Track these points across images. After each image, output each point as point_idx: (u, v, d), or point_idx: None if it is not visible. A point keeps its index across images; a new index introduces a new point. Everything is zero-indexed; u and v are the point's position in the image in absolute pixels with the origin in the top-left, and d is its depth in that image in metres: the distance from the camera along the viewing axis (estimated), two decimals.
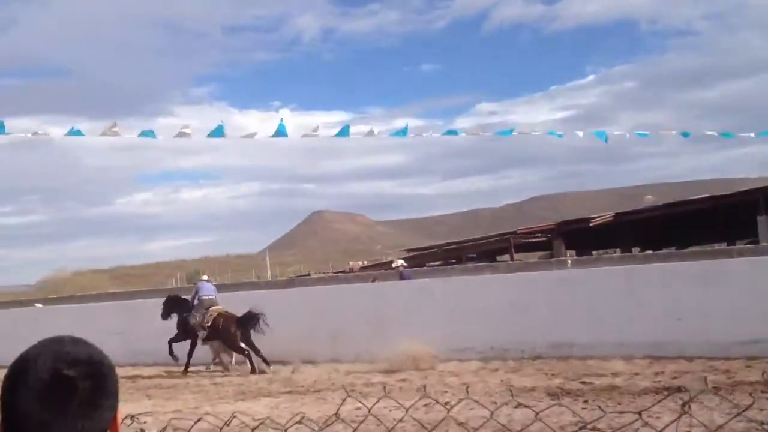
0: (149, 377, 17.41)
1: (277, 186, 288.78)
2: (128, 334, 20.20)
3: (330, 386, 14.03)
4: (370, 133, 9.54)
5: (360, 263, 47.75)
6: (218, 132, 8.65)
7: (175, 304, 17.89)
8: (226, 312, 17.07)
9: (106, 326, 20.68)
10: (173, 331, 18.06)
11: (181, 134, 8.42)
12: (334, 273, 34.03)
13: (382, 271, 25.65)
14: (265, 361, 16.49)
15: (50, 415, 1.39)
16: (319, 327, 17.98)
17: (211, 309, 17.10)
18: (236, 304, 19.73)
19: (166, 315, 17.72)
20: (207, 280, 19.25)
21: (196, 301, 17.45)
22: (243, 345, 16.64)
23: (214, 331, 16.74)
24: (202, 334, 16.97)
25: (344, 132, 9.96)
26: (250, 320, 16.46)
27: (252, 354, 16.67)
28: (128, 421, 2.82)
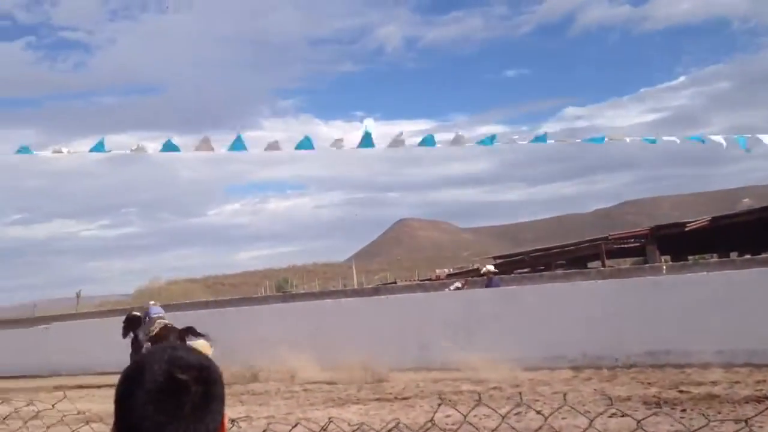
0: (242, 383, 17.79)
1: (361, 195, 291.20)
2: (223, 340, 20.71)
3: (419, 393, 14.02)
4: (457, 141, 9.48)
5: (446, 271, 47.56)
6: (306, 143, 8.76)
7: (132, 323, 18.81)
8: (170, 324, 17.99)
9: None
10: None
11: (271, 147, 8.58)
12: (421, 281, 34.02)
13: (469, 278, 25.37)
14: None
15: (164, 418, 1.44)
16: (407, 334, 18.00)
17: (156, 321, 18.11)
18: (323, 313, 20.04)
19: (125, 333, 18.55)
20: (155, 304, 20.37)
21: (147, 319, 18.43)
22: None
23: (156, 339, 17.29)
24: (147, 345, 17.44)
25: (429, 141, 9.93)
26: (189, 331, 17.39)
27: None
28: (228, 425, 2.86)
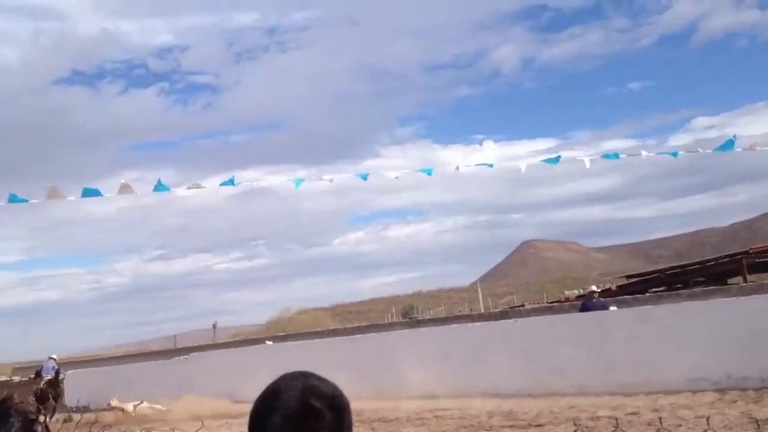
0: (372, 410, 17.86)
1: (483, 218, 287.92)
2: (351, 367, 20.95)
3: (553, 420, 13.58)
4: (580, 159, 9.20)
5: (575, 292, 46.20)
6: (426, 170, 8.76)
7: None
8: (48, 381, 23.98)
9: (330, 361, 21.64)
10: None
11: (392, 176, 8.65)
12: (549, 303, 33.19)
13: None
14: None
15: None
16: (537, 358, 17.54)
17: (44, 377, 24.46)
18: (451, 338, 19.87)
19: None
20: (52, 358, 27.14)
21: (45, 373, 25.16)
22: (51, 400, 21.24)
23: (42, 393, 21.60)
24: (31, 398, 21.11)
25: (552, 159, 9.69)
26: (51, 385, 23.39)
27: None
28: None
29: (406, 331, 24.30)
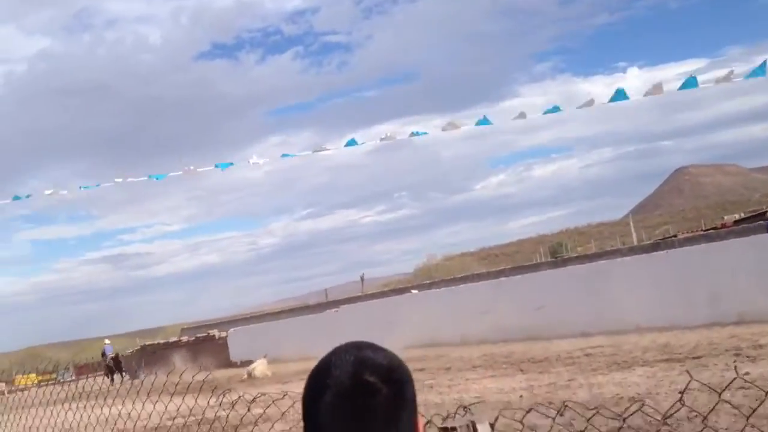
0: (521, 352, 17.68)
1: (631, 148, 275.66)
2: (498, 312, 20.83)
3: (711, 351, 12.87)
4: (726, 78, 8.38)
5: (735, 217, 43.43)
6: (554, 108, 8.34)
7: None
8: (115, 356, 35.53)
9: (475, 305, 21.61)
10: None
11: (520, 115, 8.30)
12: (704, 231, 31.38)
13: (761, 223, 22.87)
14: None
15: (351, 422, 1.35)
16: (693, 289, 16.69)
17: (108, 357, 34.63)
18: (599, 274, 19.20)
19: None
20: (108, 343, 36.77)
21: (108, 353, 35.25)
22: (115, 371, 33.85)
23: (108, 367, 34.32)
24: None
25: (691, 83, 8.90)
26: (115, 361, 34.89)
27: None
28: (461, 412, 2.65)
29: (552, 270, 23.79)
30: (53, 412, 7.09)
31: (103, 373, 33.34)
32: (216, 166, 7.38)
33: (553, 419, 2.62)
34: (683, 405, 2.58)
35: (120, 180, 7.06)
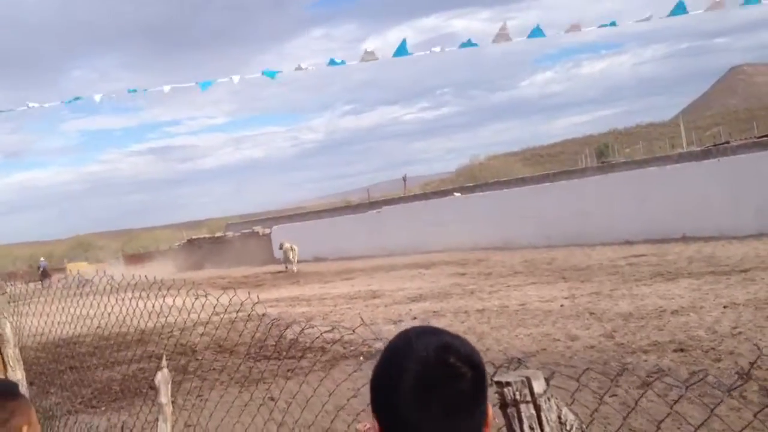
0: (563, 259, 17.65)
1: (685, 45, 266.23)
2: (540, 217, 20.71)
3: (759, 264, 12.69)
4: None
5: None
6: (611, 23, 7.95)
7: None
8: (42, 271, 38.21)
9: (518, 210, 21.50)
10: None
11: (573, 28, 7.91)
12: (758, 138, 30.35)
13: None
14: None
15: (439, 409, 1.32)
16: (743, 199, 16.32)
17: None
18: (647, 182, 18.83)
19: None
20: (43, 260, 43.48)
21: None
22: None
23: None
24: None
25: None
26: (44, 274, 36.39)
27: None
28: (515, 363, 2.61)
29: (598, 176, 23.41)
30: (106, 301, 7.37)
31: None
32: (263, 73, 7.21)
33: (612, 381, 2.58)
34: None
35: (168, 88, 6.96)
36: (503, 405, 2.18)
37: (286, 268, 26.19)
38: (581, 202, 19.89)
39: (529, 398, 2.12)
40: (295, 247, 26.58)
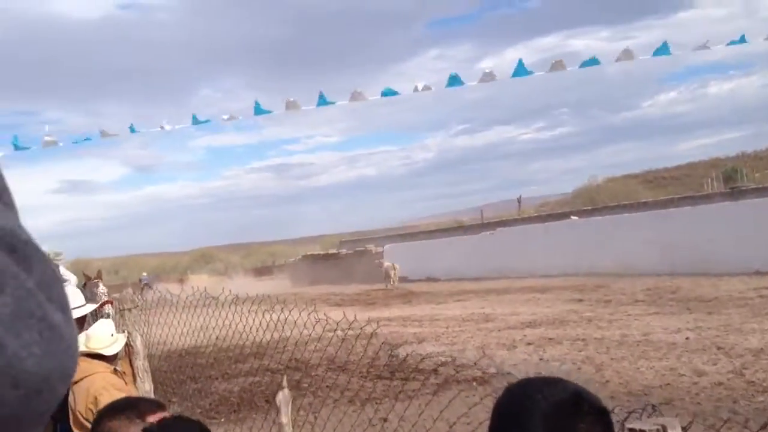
0: (689, 288, 16.87)
1: None
2: (664, 243, 19.88)
3: None
4: None
5: None
6: (740, 40, 7.66)
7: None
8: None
9: (640, 236, 20.71)
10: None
11: (702, 47, 7.63)
12: None
13: None
14: None
15: None
16: None
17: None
18: None
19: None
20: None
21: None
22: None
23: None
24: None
25: None
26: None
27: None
28: (649, 409, 2.49)
29: (726, 203, 22.26)
30: (224, 313, 7.65)
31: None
32: (383, 94, 7.33)
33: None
34: None
35: (292, 104, 7.16)
36: None
37: (386, 286, 27.10)
38: (709, 228, 18.97)
39: None
40: (397, 266, 27.94)
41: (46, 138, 7.97)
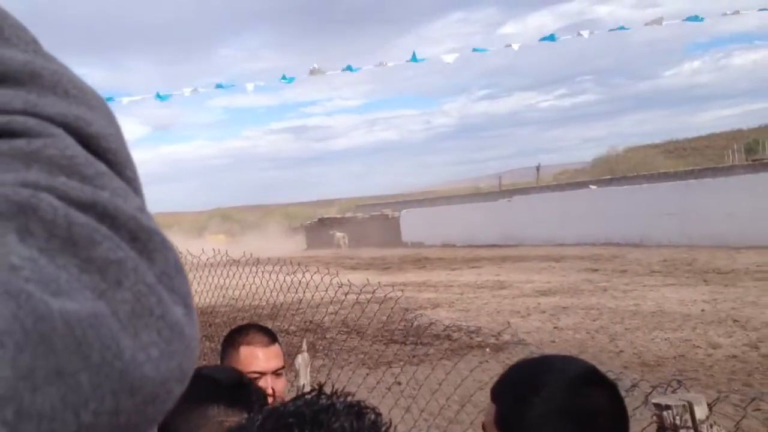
0: (705, 260, 16.76)
1: None
2: (682, 215, 19.74)
3: None
4: None
5: None
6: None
7: None
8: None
9: (658, 207, 20.57)
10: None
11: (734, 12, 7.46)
12: None
13: None
14: None
15: (570, 426, 1.33)
16: None
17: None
18: None
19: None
20: None
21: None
22: None
23: None
24: None
25: None
26: None
27: None
28: (674, 384, 2.46)
29: (747, 175, 22.00)
30: (237, 274, 7.72)
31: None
32: (409, 60, 7.28)
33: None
34: None
35: (316, 71, 7.12)
36: (661, 429, 2.05)
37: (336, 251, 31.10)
38: (728, 201, 18.79)
39: (689, 424, 1.97)
40: (346, 237, 33.82)
41: None
